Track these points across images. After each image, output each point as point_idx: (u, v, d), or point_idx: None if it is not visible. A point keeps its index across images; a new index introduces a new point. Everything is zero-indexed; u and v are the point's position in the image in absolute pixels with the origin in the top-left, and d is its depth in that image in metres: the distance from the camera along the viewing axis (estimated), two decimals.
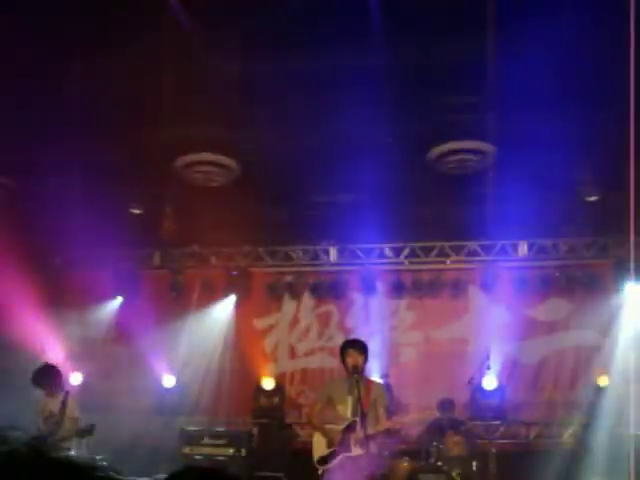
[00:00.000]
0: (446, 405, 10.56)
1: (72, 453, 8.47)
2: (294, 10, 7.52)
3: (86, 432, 8.48)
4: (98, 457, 11.00)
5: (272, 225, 12.22)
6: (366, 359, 7.50)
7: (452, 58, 8.41)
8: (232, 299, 13.08)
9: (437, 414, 10.20)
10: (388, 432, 7.66)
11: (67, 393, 8.65)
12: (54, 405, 8.52)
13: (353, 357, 7.37)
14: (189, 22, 7.87)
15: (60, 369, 9.02)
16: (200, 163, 10.45)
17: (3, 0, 7.23)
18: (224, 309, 13.07)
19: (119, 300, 13.25)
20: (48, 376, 8.74)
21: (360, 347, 7.51)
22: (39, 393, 8.80)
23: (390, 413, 7.64)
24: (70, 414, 8.50)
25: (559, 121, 8.94)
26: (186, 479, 1.85)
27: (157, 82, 8.62)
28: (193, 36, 8.12)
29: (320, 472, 7.43)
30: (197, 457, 10.86)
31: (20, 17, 7.51)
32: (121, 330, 13.11)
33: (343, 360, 7.47)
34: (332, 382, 7.78)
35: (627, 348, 11.42)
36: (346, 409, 7.33)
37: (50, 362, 9.29)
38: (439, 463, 9.92)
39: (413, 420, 8.99)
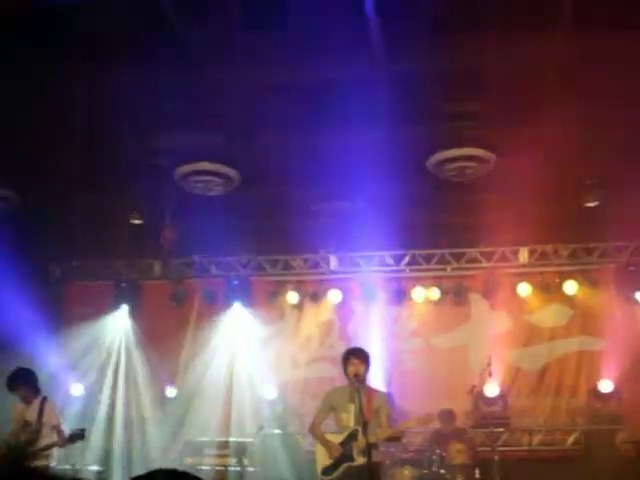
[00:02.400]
0: (446, 416, 10.55)
1: (53, 464, 8.15)
2: (294, 21, 7.55)
3: (77, 437, 8.03)
4: (96, 468, 11.02)
5: (272, 234, 12.21)
6: (368, 367, 7.47)
7: (450, 65, 8.44)
8: (233, 308, 13.06)
9: (438, 424, 10.19)
10: (390, 440, 7.64)
11: (44, 399, 8.19)
12: (30, 413, 8.07)
13: (355, 365, 7.35)
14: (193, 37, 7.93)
15: (34, 373, 8.41)
16: (200, 172, 10.44)
17: None
18: (224, 318, 13.05)
19: (120, 310, 13.21)
20: (24, 380, 8.23)
21: (362, 355, 7.49)
22: (14, 399, 8.31)
23: (393, 421, 7.62)
24: (49, 421, 8.06)
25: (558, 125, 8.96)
26: None
27: (158, 90, 8.64)
28: (196, 49, 8.15)
29: None
30: (200, 467, 10.82)
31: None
32: (122, 340, 13.12)
33: (345, 368, 7.45)
34: (334, 391, 7.75)
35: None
36: (349, 418, 7.31)
37: (24, 366, 8.61)
38: (442, 471, 9.89)
39: (415, 428, 8.95)
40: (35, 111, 8.93)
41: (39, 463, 7.76)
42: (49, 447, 8.05)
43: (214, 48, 8.11)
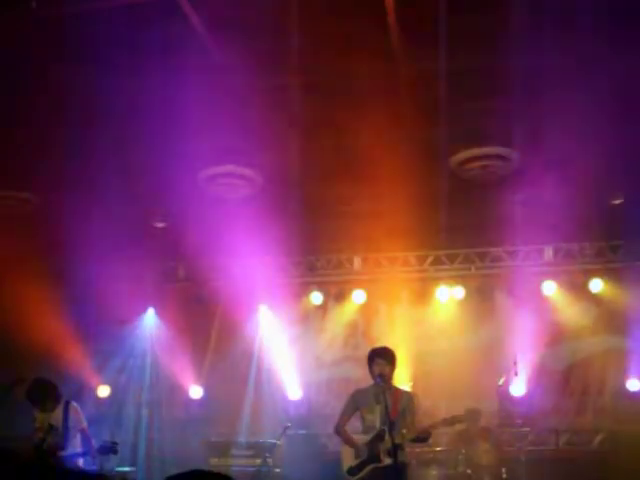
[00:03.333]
0: (472, 415, 10.49)
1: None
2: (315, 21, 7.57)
3: (107, 450, 7.94)
4: (125, 469, 11.07)
5: (296, 235, 12.22)
6: (393, 368, 7.46)
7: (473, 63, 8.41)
8: (257, 310, 13.09)
9: (464, 424, 10.14)
10: (417, 441, 7.60)
11: (67, 403, 8.16)
12: (55, 418, 8.04)
13: (380, 366, 7.34)
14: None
15: (53, 383, 8.31)
16: (224, 175, 10.48)
17: None
18: (249, 320, 13.08)
19: (146, 313, 13.30)
20: (44, 393, 8.15)
21: (388, 356, 7.47)
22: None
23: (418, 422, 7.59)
24: (75, 425, 8.08)
25: (583, 125, 8.89)
26: None
27: (179, 95, 8.67)
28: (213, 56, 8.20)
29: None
30: (226, 468, 10.84)
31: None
32: (148, 343, 13.20)
33: (370, 369, 7.44)
34: (359, 391, 7.72)
35: None
36: (375, 418, 7.29)
37: (42, 377, 8.42)
38: (468, 471, 9.86)
39: (441, 429, 8.89)
40: (56, 113, 8.99)
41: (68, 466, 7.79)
42: (78, 455, 8.08)
43: (235, 51, 8.14)
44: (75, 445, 8.09)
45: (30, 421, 8.17)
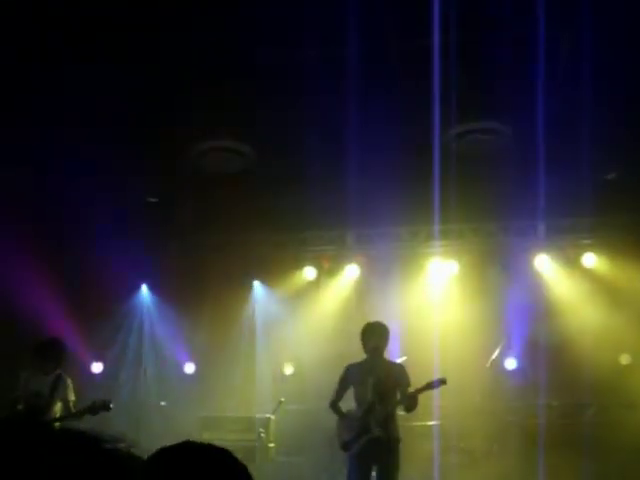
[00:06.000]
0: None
1: None
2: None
3: (100, 408, 7.77)
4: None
5: (288, 211, 12.19)
6: (386, 342, 7.49)
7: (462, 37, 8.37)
8: (250, 285, 13.09)
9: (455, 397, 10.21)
10: (408, 409, 7.58)
11: (60, 375, 8.11)
12: (43, 385, 7.99)
13: (374, 340, 7.36)
14: None
15: (67, 348, 8.43)
16: (216, 150, 10.43)
17: None
18: (242, 295, 13.09)
19: (139, 288, 13.29)
20: (57, 351, 8.16)
21: (381, 330, 7.50)
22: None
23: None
24: (63, 396, 8.05)
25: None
26: (182, 453, 1.85)
27: (172, 71, 8.63)
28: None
29: (345, 456, 7.44)
30: (218, 443, 10.85)
31: None
32: (141, 318, 13.20)
33: (364, 343, 7.46)
34: (352, 365, 7.73)
35: None
36: (366, 391, 7.32)
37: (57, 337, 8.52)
38: (462, 445, 9.92)
39: (436, 403, 8.96)
40: (51, 91, 8.94)
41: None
42: (63, 418, 8.01)
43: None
44: (54, 412, 8.08)
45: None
